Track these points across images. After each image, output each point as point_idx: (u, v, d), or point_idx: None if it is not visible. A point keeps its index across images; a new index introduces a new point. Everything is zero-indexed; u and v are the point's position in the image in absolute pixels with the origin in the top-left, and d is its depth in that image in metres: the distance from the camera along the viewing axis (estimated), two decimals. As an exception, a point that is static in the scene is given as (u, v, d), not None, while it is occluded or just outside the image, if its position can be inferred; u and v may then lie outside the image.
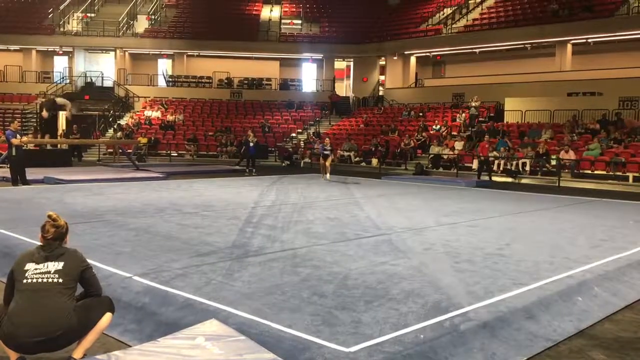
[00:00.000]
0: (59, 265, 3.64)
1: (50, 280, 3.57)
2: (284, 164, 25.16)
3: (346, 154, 24.40)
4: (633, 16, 24.04)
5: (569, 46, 26.06)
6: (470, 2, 32.03)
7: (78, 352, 3.67)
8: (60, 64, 34.11)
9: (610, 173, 17.79)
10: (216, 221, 8.79)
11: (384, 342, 3.86)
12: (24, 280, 3.56)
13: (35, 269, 3.59)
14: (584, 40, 25.60)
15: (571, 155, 18.61)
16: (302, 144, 26.80)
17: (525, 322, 4.53)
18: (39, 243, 3.77)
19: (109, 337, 4.27)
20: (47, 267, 3.61)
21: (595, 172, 18.24)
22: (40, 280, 3.55)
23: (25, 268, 3.61)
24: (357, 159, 24.20)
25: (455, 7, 32.01)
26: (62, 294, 3.57)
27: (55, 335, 3.48)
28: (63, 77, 32.66)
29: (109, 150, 26.13)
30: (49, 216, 3.79)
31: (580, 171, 18.52)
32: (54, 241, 3.71)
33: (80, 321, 3.60)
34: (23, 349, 3.49)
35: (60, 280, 3.59)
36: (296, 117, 30.73)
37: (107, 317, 3.78)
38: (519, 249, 7.11)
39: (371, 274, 5.64)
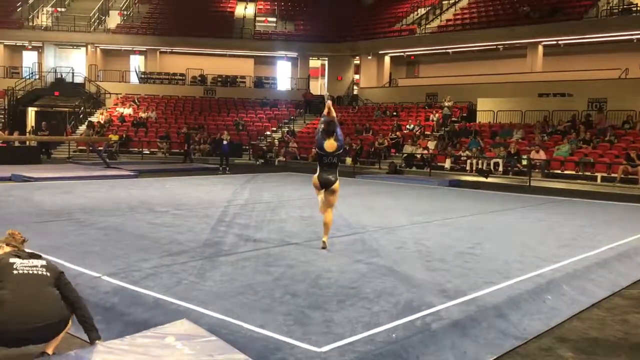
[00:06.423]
0: (43, 262, 3.77)
1: (39, 272, 3.66)
2: (258, 162, 25.05)
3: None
4: (601, 19, 24.48)
5: (540, 48, 26.43)
6: (444, 2, 32.27)
7: (50, 348, 3.67)
8: (29, 59, 33.29)
9: (580, 173, 18.10)
10: (188, 220, 8.70)
11: (355, 342, 3.86)
12: (14, 272, 3.59)
13: (22, 263, 3.68)
14: (555, 42, 26.01)
15: (542, 155, 18.90)
16: (276, 142, 26.72)
17: (495, 321, 4.58)
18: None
19: (76, 337, 4.18)
20: (32, 262, 3.72)
21: (565, 172, 18.55)
22: (30, 271, 3.63)
23: (11, 261, 3.66)
24: (331, 157, 24.22)
25: (429, 8, 32.22)
26: (51, 285, 3.65)
27: (56, 321, 3.54)
28: (32, 73, 31.94)
29: (80, 147, 25.65)
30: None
31: (551, 171, 18.83)
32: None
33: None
34: (13, 338, 3.41)
35: (48, 274, 3.68)
36: (270, 115, 30.59)
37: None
38: (490, 248, 7.18)
39: (344, 273, 5.64)
